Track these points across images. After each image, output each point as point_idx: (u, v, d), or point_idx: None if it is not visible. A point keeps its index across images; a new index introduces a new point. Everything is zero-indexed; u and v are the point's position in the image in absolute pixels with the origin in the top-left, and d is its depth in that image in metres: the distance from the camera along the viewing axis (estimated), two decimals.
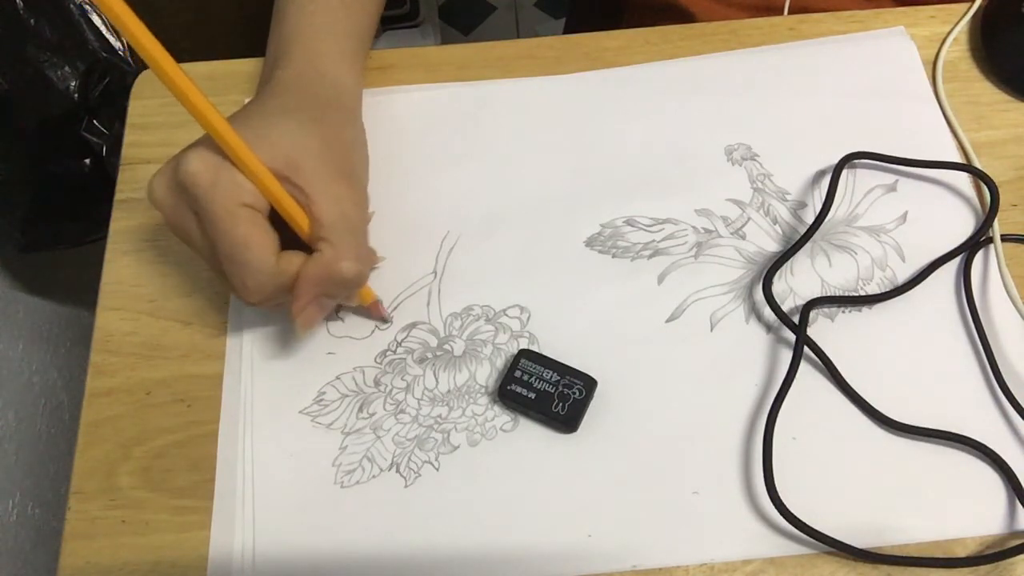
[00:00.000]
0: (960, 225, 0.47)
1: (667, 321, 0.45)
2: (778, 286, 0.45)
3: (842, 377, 0.42)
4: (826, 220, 0.46)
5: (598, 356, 0.43)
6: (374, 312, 0.45)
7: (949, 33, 0.53)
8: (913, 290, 0.45)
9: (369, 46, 0.51)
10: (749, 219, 0.48)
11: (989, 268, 0.46)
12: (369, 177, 0.46)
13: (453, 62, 0.54)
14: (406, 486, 0.41)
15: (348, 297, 0.42)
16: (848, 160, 0.48)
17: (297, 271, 0.39)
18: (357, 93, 0.47)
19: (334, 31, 0.47)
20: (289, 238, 0.39)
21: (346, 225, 0.39)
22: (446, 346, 0.44)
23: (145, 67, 0.54)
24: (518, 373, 0.42)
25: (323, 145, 0.40)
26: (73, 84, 0.74)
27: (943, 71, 0.52)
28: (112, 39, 0.77)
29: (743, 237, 0.47)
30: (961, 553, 0.39)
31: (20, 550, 0.75)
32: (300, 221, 0.39)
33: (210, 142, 0.36)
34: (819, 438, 0.41)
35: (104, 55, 0.77)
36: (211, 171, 0.36)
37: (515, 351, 0.44)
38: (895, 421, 0.41)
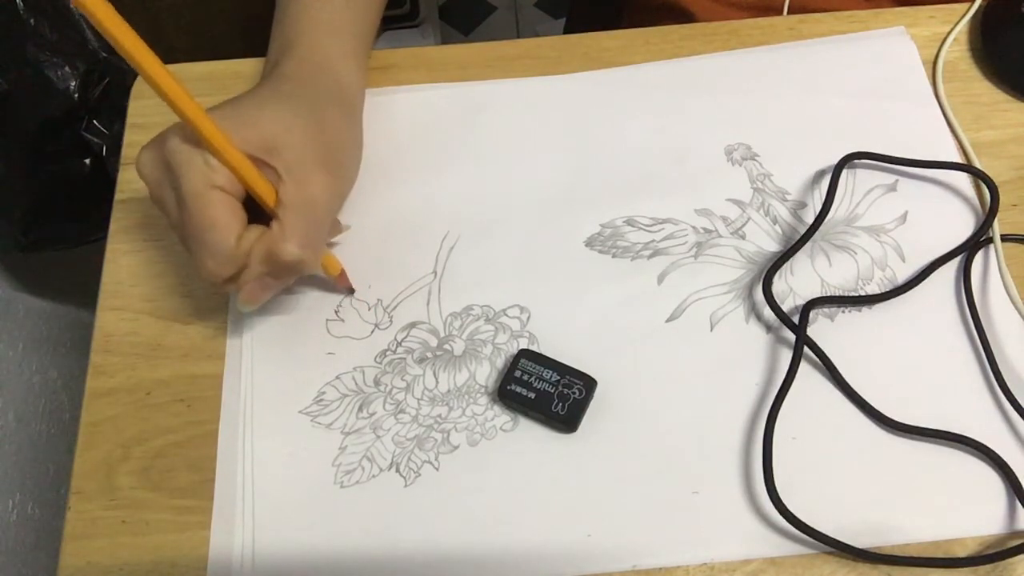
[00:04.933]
0: (960, 225, 0.47)
1: (667, 321, 0.45)
2: (778, 286, 0.45)
3: (842, 377, 0.42)
4: (826, 220, 0.46)
5: (598, 356, 0.43)
6: (340, 282, 0.45)
7: (949, 33, 0.53)
8: (913, 290, 0.45)
9: (371, 45, 0.51)
10: (749, 219, 0.48)
11: (989, 268, 0.46)
12: (358, 175, 0.46)
13: (453, 62, 0.54)
14: (406, 486, 0.41)
15: (307, 276, 0.43)
16: (848, 160, 0.48)
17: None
18: (358, 91, 0.47)
19: (337, 29, 0.47)
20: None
21: (304, 208, 0.39)
22: (446, 346, 0.44)
23: None
24: (518, 373, 0.42)
25: (309, 131, 0.40)
26: (73, 84, 0.74)
27: (943, 71, 0.52)
28: None
29: (743, 237, 0.47)
30: (961, 553, 0.39)
31: (20, 550, 0.75)
32: (272, 204, 0.39)
33: None
34: (819, 438, 0.41)
35: (104, 55, 0.77)
36: (187, 150, 0.37)
37: (515, 351, 0.44)
38: (895, 421, 0.41)
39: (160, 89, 0.35)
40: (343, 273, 0.45)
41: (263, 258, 0.39)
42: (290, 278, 0.42)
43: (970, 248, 0.46)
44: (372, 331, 0.45)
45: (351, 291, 0.45)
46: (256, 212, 0.40)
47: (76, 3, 0.31)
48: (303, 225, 0.39)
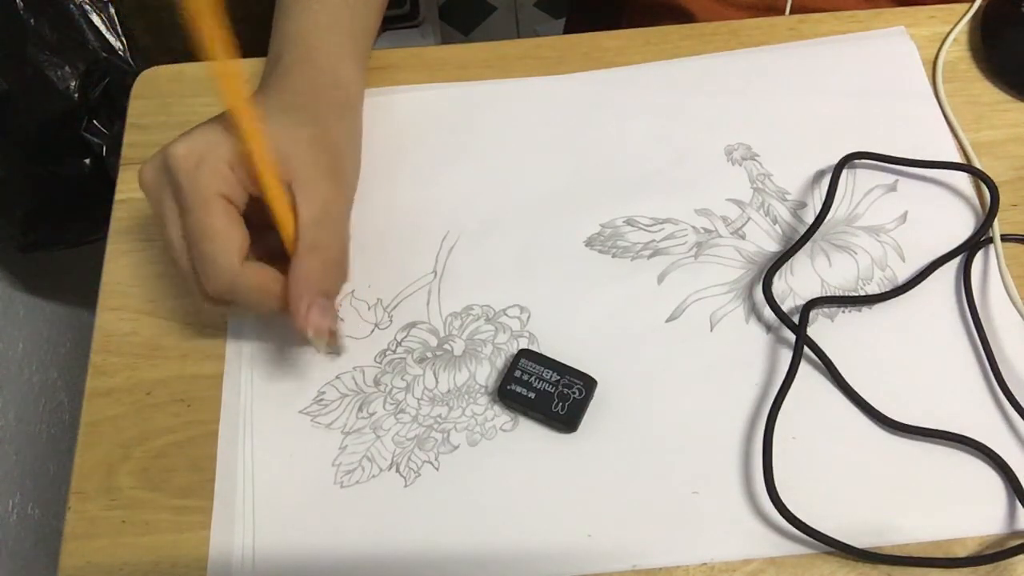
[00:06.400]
0: (960, 225, 0.47)
1: (667, 321, 0.45)
2: (778, 286, 0.45)
3: (842, 377, 0.42)
4: (826, 220, 0.46)
5: (598, 356, 0.43)
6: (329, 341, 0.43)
7: (949, 33, 0.53)
8: (913, 290, 0.45)
9: (372, 46, 0.51)
10: (749, 219, 0.48)
11: (989, 268, 0.46)
12: (359, 177, 0.46)
13: (453, 62, 0.54)
14: (406, 486, 0.41)
15: (338, 289, 0.42)
16: (848, 160, 0.48)
17: (258, 284, 0.38)
18: (358, 92, 0.47)
19: (337, 30, 0.47)
20: (271, 248, 0.39)
21: (326, 220, 0.39)
22: (446, 346, 0.44)
23: (145, 67, 0.54)
24: (518, 373, 0.42)
25: (314, 142, 0.40)
26: (73, 84, 0.74)
27: (943, 71, 0.52)
28: (112, 39, 0.77)
29: (743, 237, 0.47)
30: (961, 553, 0.39)
31: (20, 550, 0.75)
32: (286, 221, 0.39)
33: (201, 132, 0.37)
34: (819, 438, 0.41)
35: (104, 55, 0.77)
36: (194, 157, 0.37)
37: (515, 351, 0.44)
38: (895, 421, 0.41)
39: (222, 81, 0.35)
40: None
41: (311, 277, 0.38)
42: (336, 286, 0.41)
43: (970, 248, 0.46)
44: (372, 331, 0.45)
45: (339, 352, 0.44)
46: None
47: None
48: (332, 234, 0.39)
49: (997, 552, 0.38)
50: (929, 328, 0.44)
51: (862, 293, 0.45)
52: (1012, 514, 0.39)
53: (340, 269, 0.40)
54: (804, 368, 0.43)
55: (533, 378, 0.42)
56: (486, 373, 0.44)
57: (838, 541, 0.38)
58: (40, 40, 0.73)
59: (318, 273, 0.39)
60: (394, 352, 0.44)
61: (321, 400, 0.43)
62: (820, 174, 0.49)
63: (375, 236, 0.47)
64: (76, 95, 0.75)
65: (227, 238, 0.37)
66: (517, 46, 0.54)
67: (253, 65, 0.53)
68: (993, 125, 0.50)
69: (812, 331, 0.44)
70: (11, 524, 0.74)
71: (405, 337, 0.45)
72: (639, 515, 0.40)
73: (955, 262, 0.46)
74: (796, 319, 0.43)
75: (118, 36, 0.77)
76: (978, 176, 0.47)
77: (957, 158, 0.49)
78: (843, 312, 0.45)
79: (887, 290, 0.45)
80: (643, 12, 0.67)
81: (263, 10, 0.50)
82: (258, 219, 0.39)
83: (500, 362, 0.44)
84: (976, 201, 0.48)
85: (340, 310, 0.45)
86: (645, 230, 0.47)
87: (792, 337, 0.43)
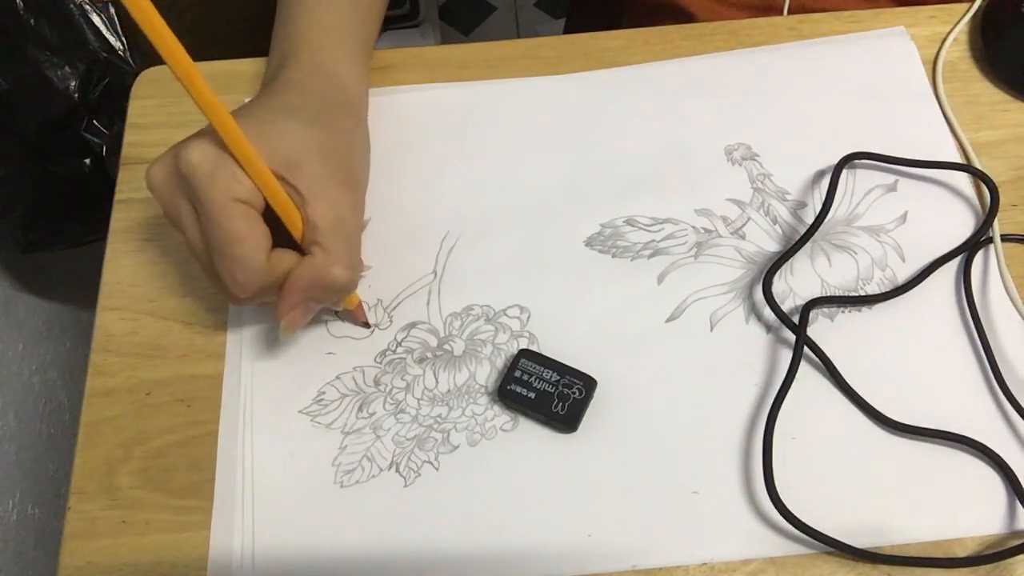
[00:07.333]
0: (960, 225, 0.47)
1: (667, 321, 0.45)
2: (778, 286, 0.45)
3: (842, 377, 0.42)
4: (826, 220, 0.46)
5: (598, 356, 0.43)
6: (357, 315, 0.45)
7: (949, 33, 0.53)
8: (913, 290, 0.45)
9: (373, 47, 0.51)
10: (749, 219, 0.48)
11: (989, 268, 0.46)
12: (369, 179, 0.46)
13: (453, 62, 0.54)
14: (406, 486, 0.41)
15: (335, 302, 0.42)
16: (848, 160, 0.48)
17: (287, 270, 0.38)
18: (363, 94, 0.47)
19: (341, 32, 0.47)
20: (283, 238, 0.39)
21: (340, 230, 0.39)
22: (446, 346, 0.44)
23: (145, 67, 0.54)
24: (518, 373, 0.42)
25: (324, 147, 0.40)
26: (73, 84, 0.74)
27: (943, 71, 0.52)
28: (112, 39, 0.77)
29: (743, 237, 0.47)
30: (961, 553, 0.39)
31: (20, 550, 0.75)
32: (295, 221, 0.39)
33: (212, 134, 0.36)
34: (819, 438, 0.41)
35: (104, 55, 0.77)
36: (209, 163, 0.36)
37: (515, 351, 0.44)
38: (895, 421, 0.41)
39: (195, 96, 0.34)
40: (360, 306, 0.44)
41: (308, 285, 0.38)
42: (331, 299, 0.41)
43: (970, 248, 0.46)
44: (372, 331, 0.45)
45: (367, 325, 0.45)
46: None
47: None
48: (344, 245, 0.39)
49: (997, 552, 0.38)
50: (929, 328, 0.44)
51: (862, 293, 0.45)
52: (1012, 514, 0.39)
53: (349, 275, 0.39)
54: (804, 368, 0.43)
55: (533, 378, 0.42)
56: (486, 373, 0.44)
57: (838, 541, 0.38)
58: (40, 40, 0.73)
59: (320, 280, 0.38)
60: (394, 352, 0.44)
61: (321, 400, 0.43)
62: (820, 174, 0.49)
63: (375, 236, 0.47)
64: (76, 95, 0.75)
65: (252, 240, 0.37)
66: (517, 46, 0.54)
67: (253, 65, 0.53)
68: (993, 125, 0.50)
69: (812, 331, 0.44)
70: (11, 524, 0.74)
71: (405, 337, 0.45)
72: (639, 515, 0.40)
73: (955, 262, 0.46)
74: (796, 319, 0.43)
75: (118, 36, 0.77)
76: (978, 176, 0.47)
77: (957, 158, 0.49)
78: (843, 312, 0.45)
79: (887, 290, 0.45)
80: (643, 12, 0.67)
81: (260, 10, 0.50)
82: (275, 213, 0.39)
83: (500, 362, 0.44)
84: (976, 201, 0.48)
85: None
86: (645, 230, 0.47)
87: (792, 337, 0.43)
